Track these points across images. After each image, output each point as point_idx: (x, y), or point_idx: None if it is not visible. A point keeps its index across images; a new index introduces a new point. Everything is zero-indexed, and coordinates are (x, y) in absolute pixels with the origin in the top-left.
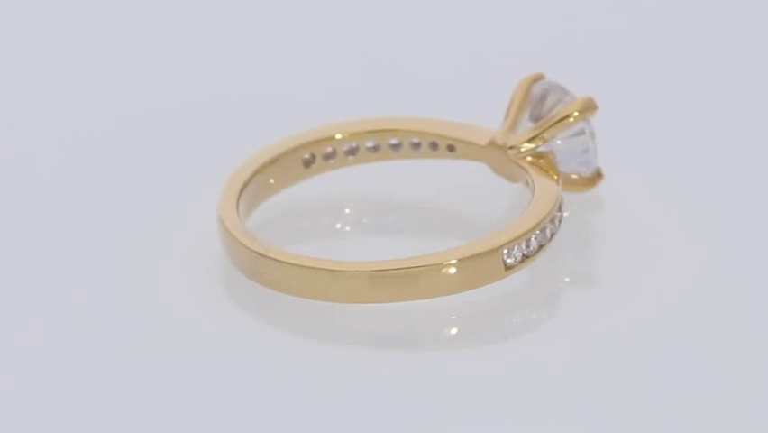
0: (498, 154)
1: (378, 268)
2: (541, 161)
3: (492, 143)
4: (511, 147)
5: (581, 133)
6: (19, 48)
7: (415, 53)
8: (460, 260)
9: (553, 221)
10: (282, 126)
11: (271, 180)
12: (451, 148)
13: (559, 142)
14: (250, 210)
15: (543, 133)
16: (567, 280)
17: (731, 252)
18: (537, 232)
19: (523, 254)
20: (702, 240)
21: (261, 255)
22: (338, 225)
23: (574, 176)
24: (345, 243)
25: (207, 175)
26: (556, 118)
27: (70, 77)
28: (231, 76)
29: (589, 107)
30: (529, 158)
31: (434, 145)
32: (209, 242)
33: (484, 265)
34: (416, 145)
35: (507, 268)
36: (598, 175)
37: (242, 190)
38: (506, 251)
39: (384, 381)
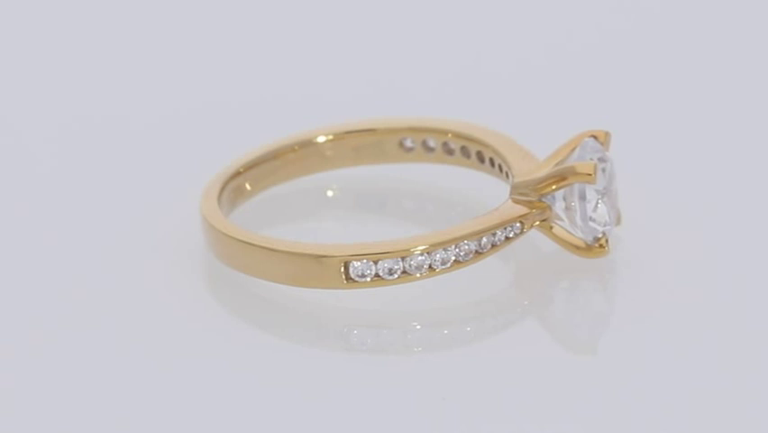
0: (510, 188)
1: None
2: (540, 212)
3: (513, 178)
4: (518, 187)
5: (576, 197)
6: (19, 48)
7: (414, 53)
8: (297, 254)
9: (430, 253)
10: (282, 126)
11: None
12: (508, 175)
13: (555, 200)
14: (232, 207)
15: (542, 186)
16: (566, 279)
17: (731, 252)
18: (407, 258)
19: (375, 274)
20: (702, 240)
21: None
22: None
23: (573, 238)
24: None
25: (206, 175)
26: (553, 176)
27: (70, 77)
28: (229, 78)
29: (573, 173)
30: (529, 205)
31: (500, 167)
32: (204, 241)
33: (320, 268)
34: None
35: (349, 280)
36: (599, 246)
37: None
38: (350, 262)
39: (383, 381)
